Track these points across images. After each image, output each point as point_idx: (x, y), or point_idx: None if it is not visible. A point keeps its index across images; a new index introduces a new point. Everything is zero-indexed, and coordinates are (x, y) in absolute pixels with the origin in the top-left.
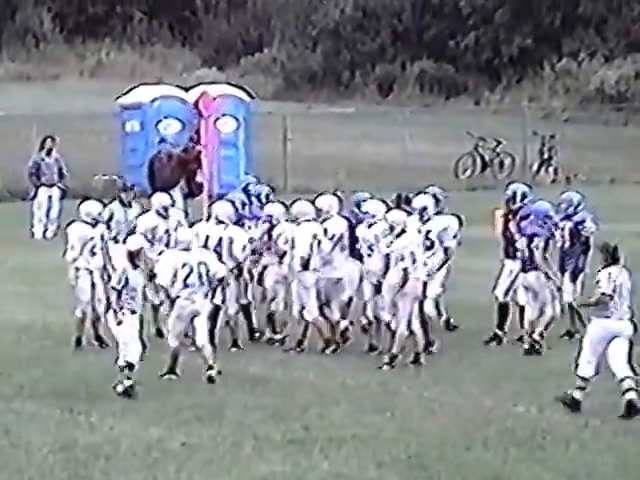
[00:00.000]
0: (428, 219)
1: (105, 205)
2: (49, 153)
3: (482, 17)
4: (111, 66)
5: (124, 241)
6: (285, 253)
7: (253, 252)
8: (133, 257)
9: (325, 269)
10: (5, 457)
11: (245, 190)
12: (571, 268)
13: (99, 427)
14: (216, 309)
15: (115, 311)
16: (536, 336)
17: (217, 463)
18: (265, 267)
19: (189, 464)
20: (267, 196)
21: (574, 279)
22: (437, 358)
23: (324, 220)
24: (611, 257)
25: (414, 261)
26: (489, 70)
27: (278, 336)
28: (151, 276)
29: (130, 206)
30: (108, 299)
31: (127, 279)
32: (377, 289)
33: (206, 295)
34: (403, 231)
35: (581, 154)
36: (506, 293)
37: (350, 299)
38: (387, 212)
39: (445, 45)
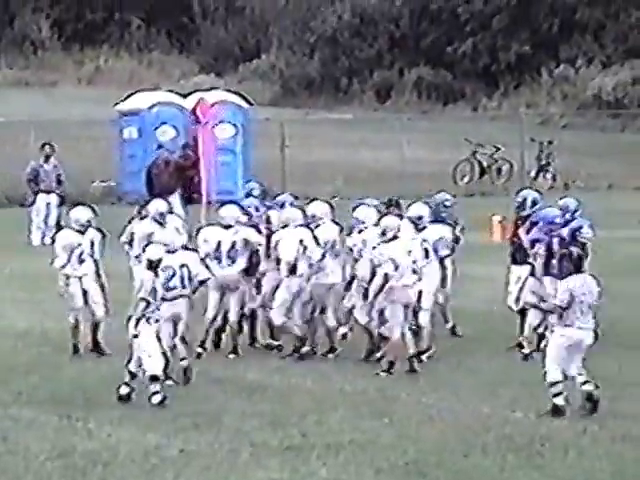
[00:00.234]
0: (423, 228)
1: (94, 210)
2: (47, 160)
3: (480, 23)
4: (109, 73)
5: (143, 251)
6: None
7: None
8: (153, 266)
9: (318, 275)
10: (3, 464)
11: (250, 196)
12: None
13: (97, 434)
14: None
15: (139, 320)
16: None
17: (215, 470)
18: (264, 273)
19: (187, 471)
20: (292, 204)
21: None
22: (435, 364)
23: (316, 226)
24: (575, 266)
25: (396, 267)
26: (487, 76)
27: (276, 342)
28: None
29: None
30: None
31: (154, 289)
32: (365, 294)
33: (188, 298)
34: (395, 237)
35: (579, 160)
36: (517, 300)
37: (352, 305)
38: (381, 217)
39: (443, 51)
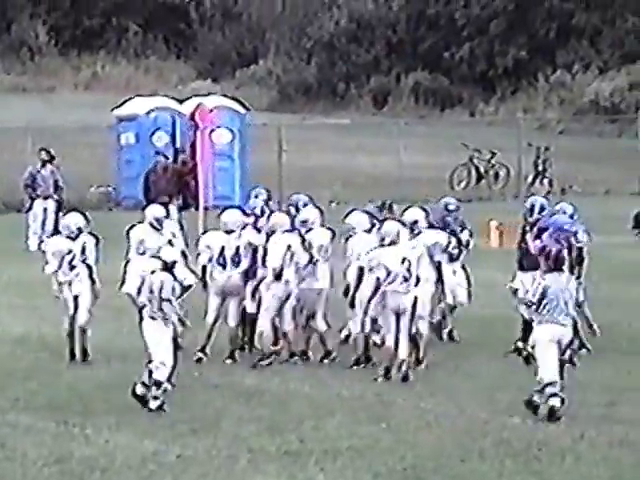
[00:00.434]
0: (418, 233)
1: (87, 217)
2: (44, 165)
3: (477, 29)
4: (106, 79)
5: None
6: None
7: None
8: (168, 268)
9: (308, 280)
10: (0, 470)
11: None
12: None
13: (94, 440)
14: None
15: (154, 318)
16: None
17: (212, 476)
18: (262, 279)
19: (184, 477)
20: (305, 204)
21: None
22: (433, 369)
23: (308, 231)
24: (554, 264)
25: (388, 273)
26: (484, 81)
27: (273, 348)
28: None
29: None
30: (140, 310)
31: (174, 288)
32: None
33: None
34: (393, 243)
35: (576, 165)
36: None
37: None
38: (382, 223)
39: (440, 57)
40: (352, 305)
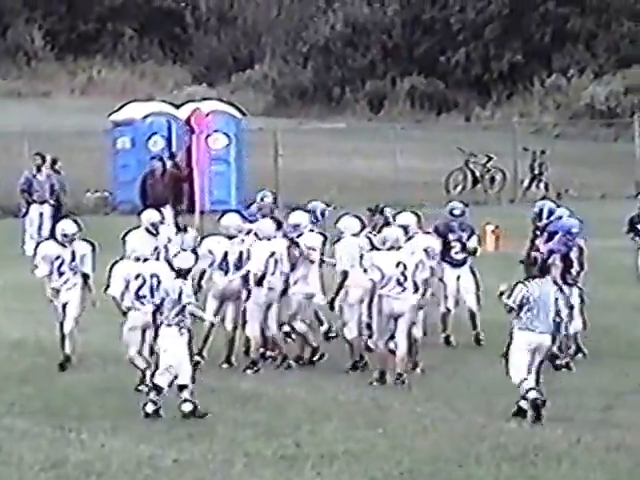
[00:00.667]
0: (410, 237)
1: (78, 224)
2: (39, 170)
3: (472, 33)
4: (102, 83)
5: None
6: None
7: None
8: (183, 274)
9: (300, 285)
10: None
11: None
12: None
13: (90, 444)
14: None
15: (172, 325)
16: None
17: None
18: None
19: None
20: (322, 211)
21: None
22: (429, 374)
23: (299, 235)
24: (539, 270)
25: (382, 276)
26: (479, 86)
27: (269, 353)
28: None
29: (186, 231)
30: (154, 315)
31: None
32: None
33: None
34: (391, 247)
35: (572, 170)
36: None
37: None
38: (382, 227)
39: (435, 61)
40: (332, 308)
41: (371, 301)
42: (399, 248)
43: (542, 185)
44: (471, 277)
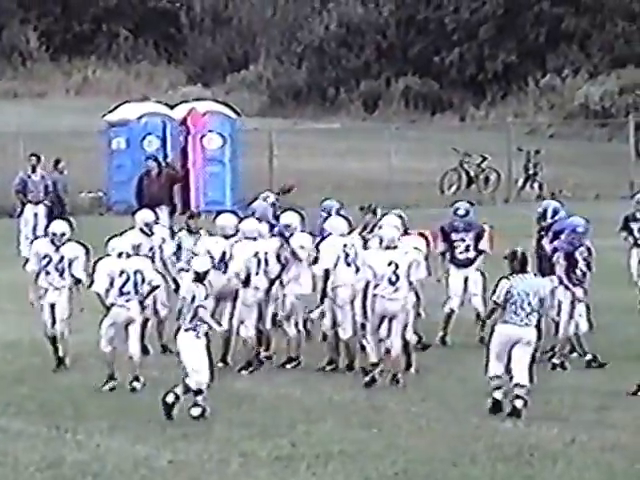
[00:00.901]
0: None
1: (71, 225)
2: (34, 170)
3: (466, 33)
4: (97, 84)
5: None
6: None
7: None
8: (200, 278)
9: (292, 285)
10: None
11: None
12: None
13: (86, 445)
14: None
15: (189, 329)
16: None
17: None
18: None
19: None
20: (337, 210)
21: None
22: (424, 374)
23: (290, 236)
24: (519, 265)
25: (374, 275)
26: (474, 86)
27: (265, 352)
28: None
29: (198, 233)
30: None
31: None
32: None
33: (141, 303)
34: (388, 247)
35: (566, 170)
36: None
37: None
38: (374, 226)
39: (430, 61)
40: (322, 301)
41: (364, 301)
42: (395, 248)
43: (536, 185)
44: (480, 278)
